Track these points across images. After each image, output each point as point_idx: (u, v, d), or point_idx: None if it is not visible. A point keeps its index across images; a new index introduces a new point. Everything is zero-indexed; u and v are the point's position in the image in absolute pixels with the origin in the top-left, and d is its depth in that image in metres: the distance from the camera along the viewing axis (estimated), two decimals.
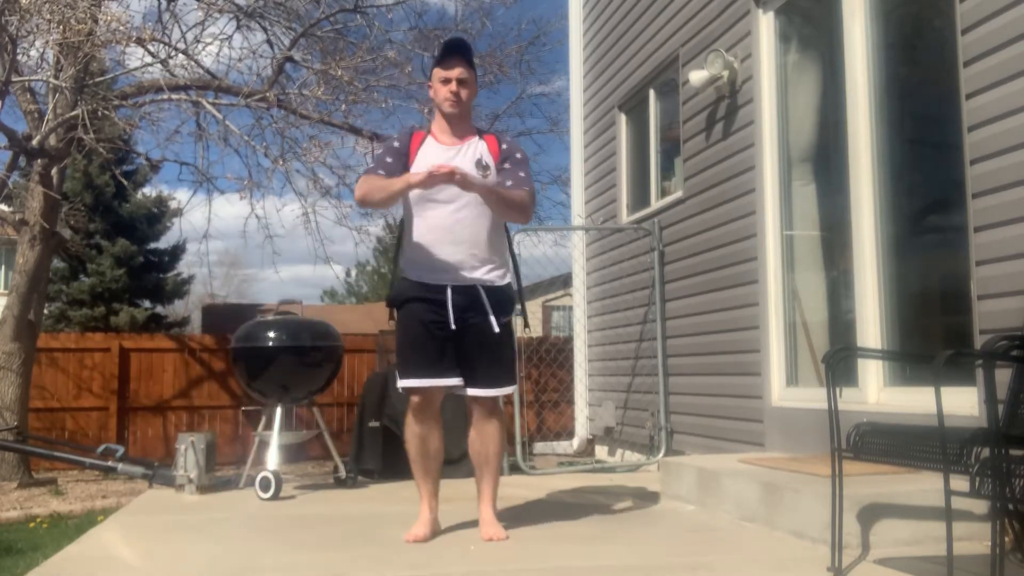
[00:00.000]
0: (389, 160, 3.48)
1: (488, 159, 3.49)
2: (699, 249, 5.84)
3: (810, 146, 5.15)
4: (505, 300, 3.54)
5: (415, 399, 3.47)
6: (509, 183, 3.45)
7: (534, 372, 9.00)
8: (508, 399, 6.48)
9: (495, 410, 3.54)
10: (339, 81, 8.64)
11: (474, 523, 3.65)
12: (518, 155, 3.55)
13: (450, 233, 3.45)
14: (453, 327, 3.43)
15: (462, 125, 3.55)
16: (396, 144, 3.54)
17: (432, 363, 3.43)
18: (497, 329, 3.45)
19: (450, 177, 3.19)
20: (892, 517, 3.05)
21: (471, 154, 3.49)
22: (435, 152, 3.47)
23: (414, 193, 3.42)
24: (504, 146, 3.55)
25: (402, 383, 3.48)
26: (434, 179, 3.20)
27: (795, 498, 3.30)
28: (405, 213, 3.59)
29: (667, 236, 6.36)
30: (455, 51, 3.51)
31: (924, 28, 4.55)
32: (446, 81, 3.47)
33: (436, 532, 3.46)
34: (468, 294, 3.46)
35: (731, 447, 5.20)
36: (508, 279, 3.60)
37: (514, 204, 3.40)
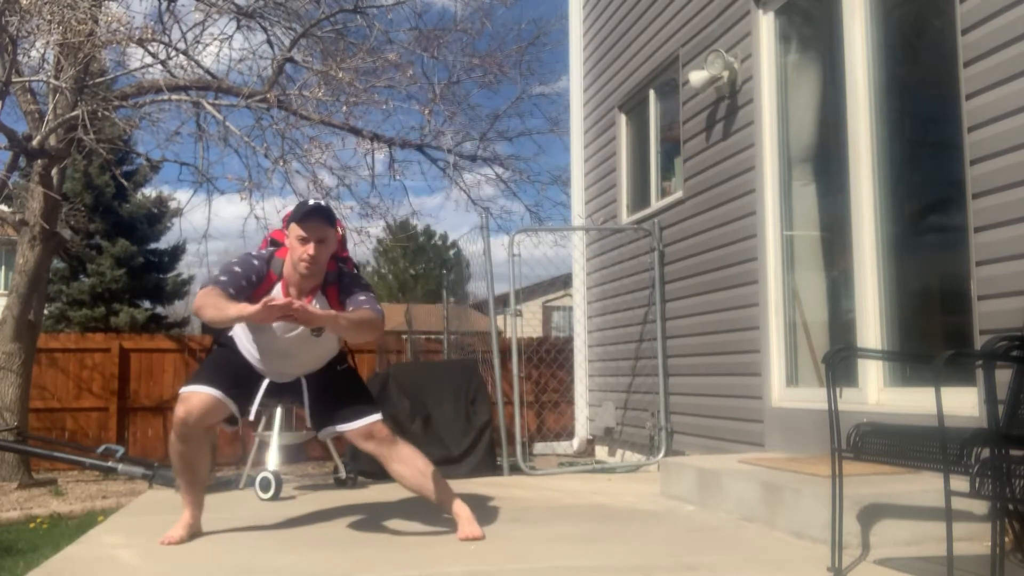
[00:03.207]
0: (243, 283, 3.33)
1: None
2: (699, 249, 5.84)
3: (810, 146, 5.16)
4: (336, 366, 3.65)
5: (180, 410, 3.35)
6: (351, 309, 3.38)
7: (534, 372, 9.00)
8: (508, 398, 6.50)
9: (374, 433, 3.48)
10: (339, 82, 8.64)
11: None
12: (356, 288, 3.46)
13: (275, 368, 3.55)
14: (251, 419, 3.55)
15: (312, 281, 3.43)
16: (253, 277, 3.38)
17: (221, 382, 3.41)
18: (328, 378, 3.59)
19: (288, 309, 3.07)
20: (892, 517, 3.05)
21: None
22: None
23: (254, 332, 3.47)
24: (342, 297, 3.45)
25: (184, 388, 3.42)
26: (271, 311, 3.06)
27: (795, 498, 3.31)
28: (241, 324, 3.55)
29: (667, 236, 6.37)
30: (317, 214, 3.34)
31: (924, 28, 4.56)
32: (304, 240, 3.31)
33: (428, 534, 3.48)
34: (289, 384, 3.59)
35: (731, 447, 5.20)
36: (335, 355, 3.66)
37: (361, 322, 3.32)
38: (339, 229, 3.52)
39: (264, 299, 3.12)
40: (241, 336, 3.56)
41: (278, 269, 3.44)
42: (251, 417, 3.55)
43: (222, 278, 3.30)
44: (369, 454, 3.55)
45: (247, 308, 3.09)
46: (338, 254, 3.55)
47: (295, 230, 3.34)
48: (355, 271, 3.67)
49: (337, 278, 3.49)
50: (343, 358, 3.71)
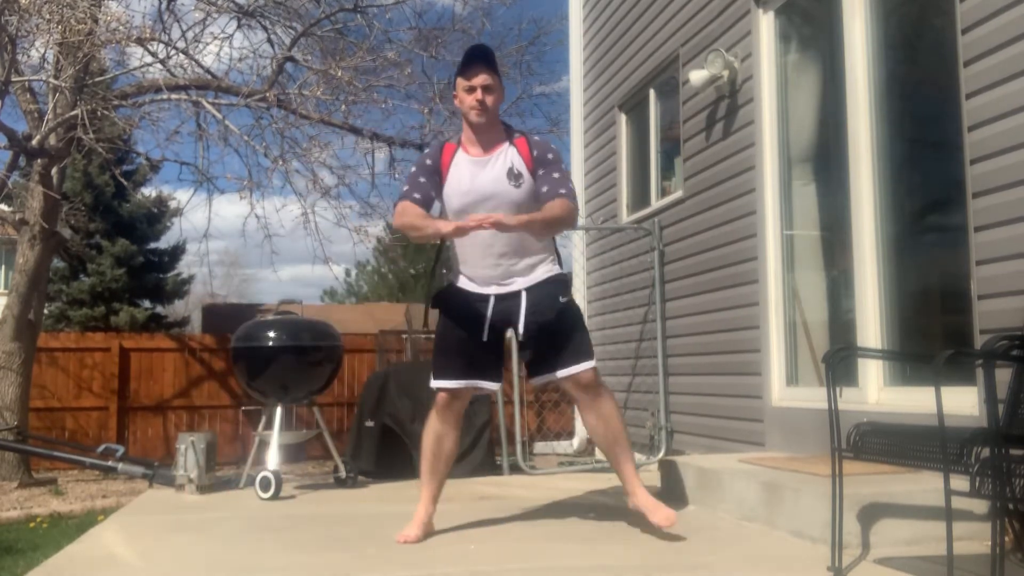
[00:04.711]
0: (422, 180, 3.45)
1: (520, 166, 3.42)
2: (699, 249, 5.84)
3: (810, 146, 5.15)
4: (555, 289, 3.50)
5: (441, 396, 3.49)
6: (545, 189, 3.37)
7: None
8: (508, 398, 6.50)
9: (593, 386, 3.43)
10: (339, 81, 8.64)
11: (474, 523, 3.65)
12: (549, 156, 3.45)
13: (490, 247, 3.44)
14: (485, 339, 3.47)
15: (491, 133, 3.46)
16: (428, 162, 3.50)
17: (463, 366, 3.46)
18: (550, 316, 3.43)
19: (483, 224, 3.13)
20: (892, 517, 3.05)
21: (501, 164, 3.42)
22: (466, 166, 3.44)
23: (451, 211, 3.46)
24: (535, 152, 3.45)
25: (433, 383, 3.50)
26: (465, 230, 3.16)
27: (795, 498, 3.30)
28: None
29: (667, 236, 6.36)
30: (477, 58, 3.44)
31: (924, 28, 4.55)
32: (470, 90, 3.39)
33: (429, 534, 3.44)
34: (511, 299, 3.47)
35: (731, 447, 5.20)
36: (555, 268, 3.57)
37: (556, 221, 3.33)
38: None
39: (456, 224, 3.19)
40: (462, 242, 3.50)
41: (455, 139, 3.52)
42: (500, 379, 3.59)
43: (405, 188, 3.48)
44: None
45: (443, 227, 3.23)
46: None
47: (460, 84, 3.43)
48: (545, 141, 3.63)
49: (530, 144, 3.47)
50: (565, 286, 3.57)
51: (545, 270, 3.52)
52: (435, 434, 3.54)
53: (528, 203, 3.41)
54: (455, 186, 3.46)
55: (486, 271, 3.48)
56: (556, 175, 3.40)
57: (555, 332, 3.44)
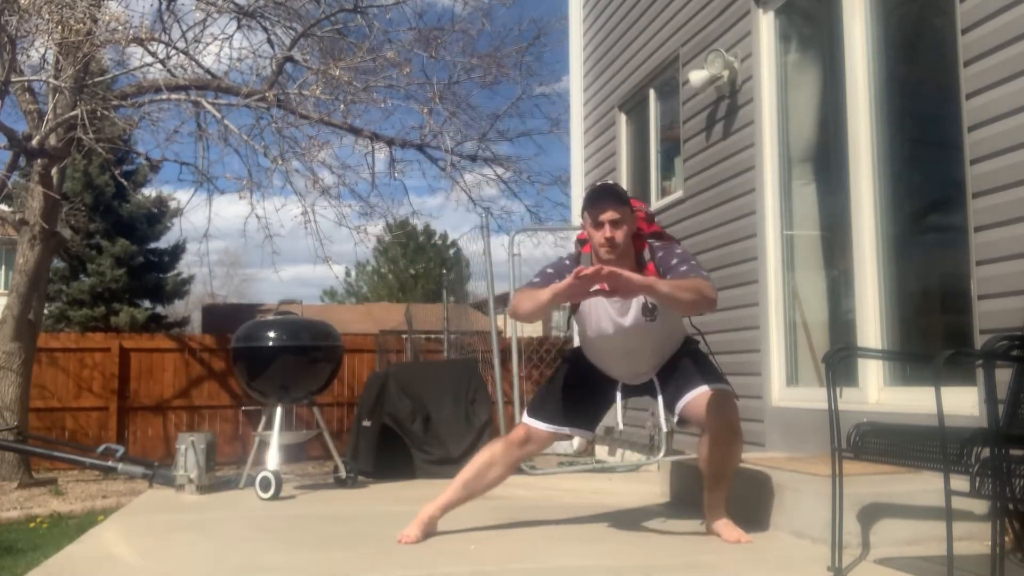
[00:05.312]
0: (556, 282, 3.23)
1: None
2: (699, 249, 5.83)
3: (810, 146, 5.15)
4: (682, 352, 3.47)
5: (520, 430, 3.48)
6: (674, 274, 3.24)
7: (534, 372, 8.99)
8: (508, 398, 6.49)
9: (720, 410, 3.30)
10: (338, 81, 8.63)
11: (474, 523, 3.65)
12: (674, 261, 3.28)
13: (624, 356, 3.42)
14: (620, 401, 3.47)
15: (624, 264, 3.23)
16: (565, 268, 3.35)
17: (563, 414, 3.45)
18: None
19: (599, 273, 2.95)
20: (892, 517, 3.04)
21: (636, 303, 3.29)
22: (602, 303, 3.29)
23: (590, 335, 3.41)
24: (661, 269, 3.30)
25: (525, 418, 3.50)
26: (582, 281, 2.95)
27: (795, 498, 3.30)
28: (579, 331, 3.55)
29: None
30: (605, 195, 3.29)
31: (924, 28, 4.55)
32: (598, 225, 3.25)
33: (429, 534, 3.42)
34: (645, 387, 3.49)
35: None
36: (682, 345, 3.50)
37: (684, 289, 3.09)
38: (640, 207, 3.46)
39: (575, 270, 3.03)
40: (587, 344, 3.50)
41: (587, 263, 3.36)
42: (595, 430, 3.61)
43: (535, 280, 3.37)
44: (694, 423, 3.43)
45: (559, 285, 3.06)
46: (644, 230, 3.43)
47: (588, 218, 3.31)
48: (670, 242, 3.49)
49: (651, 254, 3.38)
50: (692, 345, 3.52)
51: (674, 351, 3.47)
52: (489, 459, 3.51)
53: (666, 328, 3.37)
54: (592, 321, 3.38)
55: (614, 373, 3.49)
56: (684, 267, 3.26)
57: (680, 367, 3.40)
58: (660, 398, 3.40)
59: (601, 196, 3.30)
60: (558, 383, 3.56)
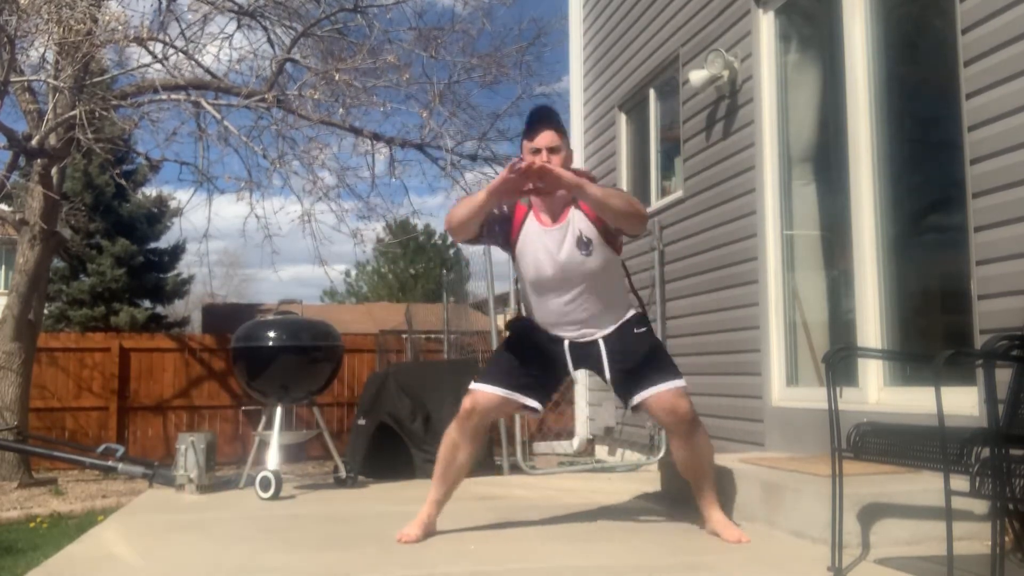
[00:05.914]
0: (494, 212, 3.31)
1: (588, 231, 3.30)
2: (699, 249, 5.84)
3: (810, 146, 5.15)
4: (634, 329, 3.45)
5: (466, 402, 3.42)
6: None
7: None
8: None
9: (678, 409, 3.31)
10: (338, 83, 8.63)
11: (474, 523, 3.65)
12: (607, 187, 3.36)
13: (564, 316, 3.39)
14: (571, 370, 3.45)
15: (558, 198, 3.29)
16: (504, 208, 3.37)
17: (508, 378, 3.41)
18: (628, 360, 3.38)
19: (530, 168, 3.01)
20: (892, 517, 3.04)
21: (570, 236, 3.30)
22: (537, 237, 3.33)
23: (528, 277, 3.39)
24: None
25: (472, 384, 3.48)
26: (517, 180, 3.02)
27: (795, 498, 3.30)
28: (520, 283, 3.52)
29: (667, 236, 6.36)
30: (541, 119, 3.32)
31: (924, 28, 4.55)
32: (535, 151, 3.25)
33: (429, 534, 3.42)
34: (590, 347, 3.43)
35: (731, 447, 5.19)
36: (630, 314, 3.49)
37: (613, 196, 3.19)
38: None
39: (509, 163, 3.05)
40: (527, 296, 3.47)
41: (526, 200, 3.36)
42: (550, 400, 3.57)
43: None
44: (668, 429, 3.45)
45: (493, 182, 3.09)
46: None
47: (525, 146, 3.31)
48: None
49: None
50: (642, 320, 3.52)
51: (623, 320, 3.45)
52: (451, 442, 3.50)
53: (602, 268, 3.35)
54: (529, 259, 3.37)
55: (559, 332, 3.44)
56: (615, 188, 3.29)
57: (639, 362, 3.38)
58: (606, 366, 3.38)
59: (539, 120, 3.31)
60: (502, 349, 3.57)
